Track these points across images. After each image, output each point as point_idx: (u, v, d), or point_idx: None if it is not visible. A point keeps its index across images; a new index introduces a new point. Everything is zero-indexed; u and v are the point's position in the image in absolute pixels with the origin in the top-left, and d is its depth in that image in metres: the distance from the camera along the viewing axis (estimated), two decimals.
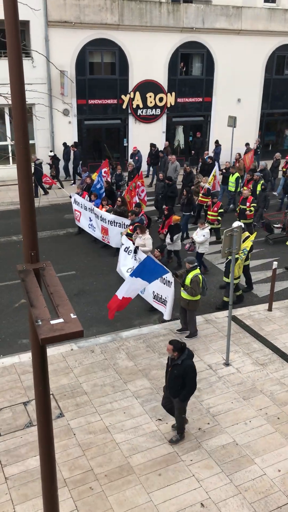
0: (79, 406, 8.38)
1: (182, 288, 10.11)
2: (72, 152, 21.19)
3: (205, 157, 21.10)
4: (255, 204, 15.70)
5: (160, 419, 8.12)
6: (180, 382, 7.30)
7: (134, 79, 22.75)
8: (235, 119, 21.99)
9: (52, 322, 3.34)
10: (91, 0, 20.82)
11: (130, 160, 20.62)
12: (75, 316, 3.39)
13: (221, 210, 15.35)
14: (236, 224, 12.21)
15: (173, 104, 23.89)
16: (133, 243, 12.42)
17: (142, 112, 23.33)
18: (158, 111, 23.66)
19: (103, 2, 20.98)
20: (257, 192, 16.79)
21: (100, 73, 22.51)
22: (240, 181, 18.45)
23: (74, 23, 20.73)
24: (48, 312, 3.50)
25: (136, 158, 21.44)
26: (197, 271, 10.14)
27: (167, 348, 7.44)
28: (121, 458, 7.36)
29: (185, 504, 6.62)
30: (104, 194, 16.33)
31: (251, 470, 7.20)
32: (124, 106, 22.95)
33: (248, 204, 15.15)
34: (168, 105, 23.78)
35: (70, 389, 8.79)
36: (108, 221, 14.33)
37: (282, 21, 24.65)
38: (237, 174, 18.35)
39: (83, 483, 6.93)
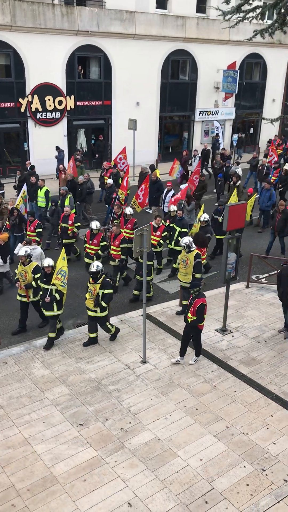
0: None
1: None
2: None
3: (28, 167, 18.94)
4: (79, 224, 14.25)
5: (81, 424, 7.97)
6: None
7: (31, 82, 22.20)
8: (135, 122, 22.33)
9: None
10: None
11: None
12: None
13: (39, 230, 13.64)
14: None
15: (73, 107, 23.68)
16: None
17: (41, 115, 22.83)
18: (58, 114, 23.32)
19: None
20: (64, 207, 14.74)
21: None
22: (49, 195, 16.12)
23: None
24: None
25: None
26: None
27: None
28: (43, 470, 7.11)
29: (112, 506, 6.55)
30: None
31: (175, 463, 7.31)
32: (22, 110, 22.30)
33: (70, 222, 13.77)
34: (68, 108, 23.52)
35: None
36: None
37: (174, 27, 25.49)
38: (46, 188, 16.06)
39: (4, 501, 6.58)
